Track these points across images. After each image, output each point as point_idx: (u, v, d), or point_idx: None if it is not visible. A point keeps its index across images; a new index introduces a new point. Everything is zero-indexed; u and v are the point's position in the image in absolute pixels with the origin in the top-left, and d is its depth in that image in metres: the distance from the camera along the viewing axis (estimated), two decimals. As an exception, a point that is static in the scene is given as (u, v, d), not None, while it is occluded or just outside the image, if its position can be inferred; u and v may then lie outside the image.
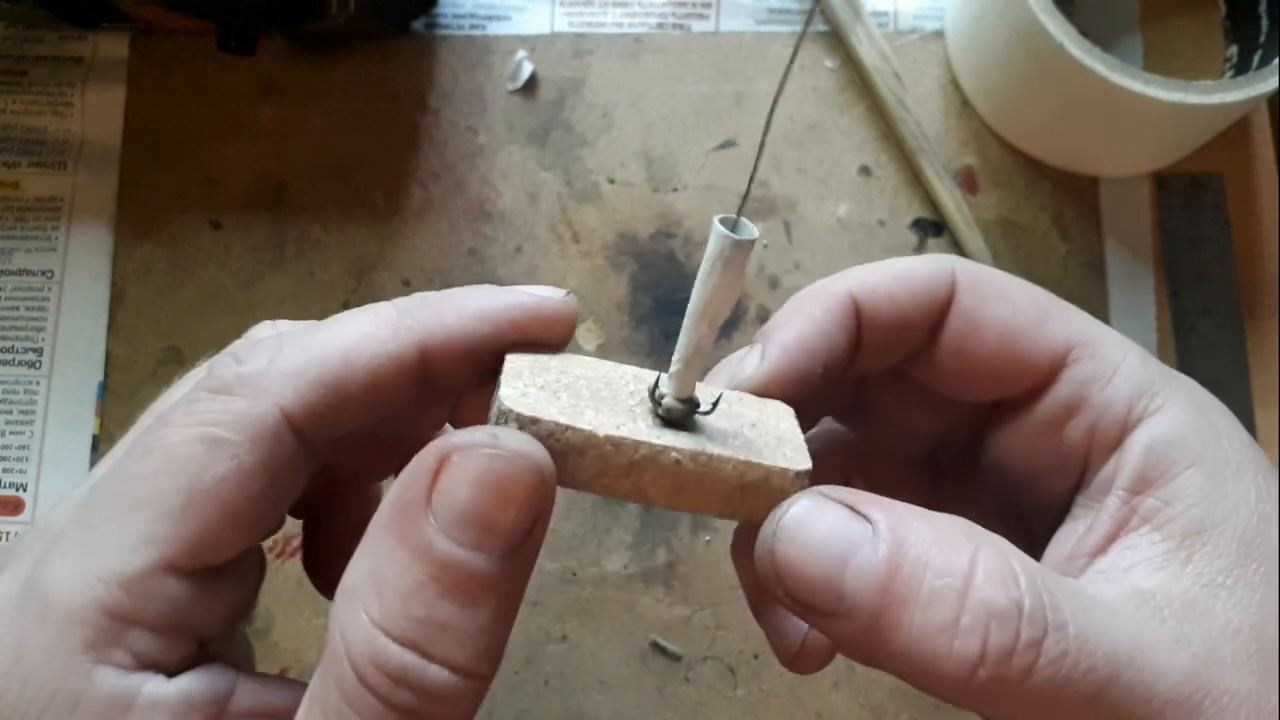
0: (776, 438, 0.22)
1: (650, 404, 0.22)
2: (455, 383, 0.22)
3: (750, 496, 0.21)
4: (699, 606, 0.40)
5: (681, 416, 0.21)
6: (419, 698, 0.18)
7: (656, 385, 0.22)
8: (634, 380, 0.23)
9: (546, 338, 0.22)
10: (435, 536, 0.18)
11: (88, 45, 0.45)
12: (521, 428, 0.20)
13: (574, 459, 0.20)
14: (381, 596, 0.18)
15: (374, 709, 0.18)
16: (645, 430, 0.21)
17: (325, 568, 0.26)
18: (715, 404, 0.22)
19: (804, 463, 0.21)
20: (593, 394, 0.22)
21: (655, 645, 0.40)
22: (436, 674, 0.18)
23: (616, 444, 0.20)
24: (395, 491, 0.19)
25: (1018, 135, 0.44)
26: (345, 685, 0.18)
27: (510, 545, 0.19)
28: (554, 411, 0.20)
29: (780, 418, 0.23)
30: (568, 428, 0.20)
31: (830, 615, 0.19)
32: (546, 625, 0.40)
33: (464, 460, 0.19)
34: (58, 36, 0.46)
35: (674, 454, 0.21)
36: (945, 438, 0.28)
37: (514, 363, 0.22)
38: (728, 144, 0.45)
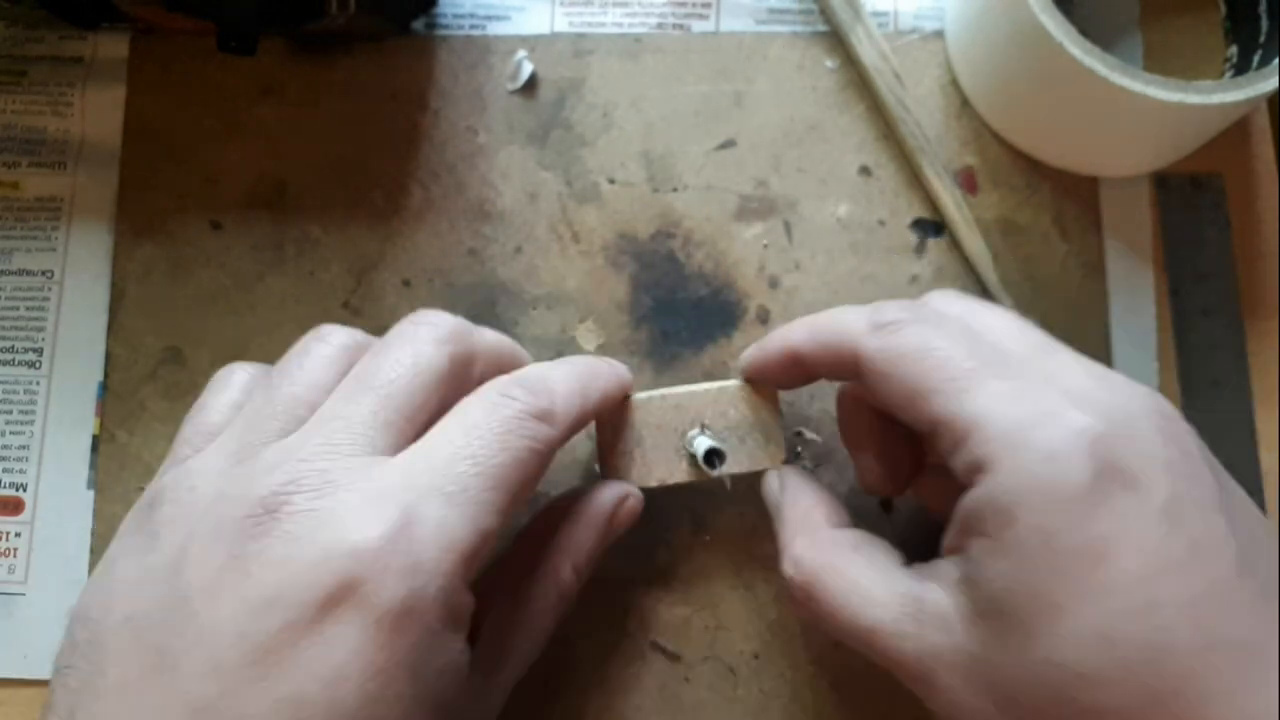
0: (764, 436, 0.38)
1: (689, 455, 0.37)
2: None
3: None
4: (699, 607, 0.40)
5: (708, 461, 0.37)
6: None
7: (693, 450, 0.37)
8: (675, 414, 0.37)
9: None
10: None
11: (87, 45, 0.45)
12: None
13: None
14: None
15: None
16: (684, 470, 0.37)
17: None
18: (721, 462, 0.37)
19: (779, 458, 0.38)
20: (654, 444, 0.37)
21: (655, 645, 0.40)
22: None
23: (668, 486, 0.38)
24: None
25: (1018, 135, 0.44)
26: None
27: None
28: (635, 476, 0.37)
29: (767, 410, 0.38)
30: (644, 486, 0.37)
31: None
32: (546, 625, 0.40)
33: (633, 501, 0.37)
34: (57, 36, 0.46)
35: (696, 481, 0.38)
36: None
37: (606, 428, 0.37)
38: (727, 144, 0.45)
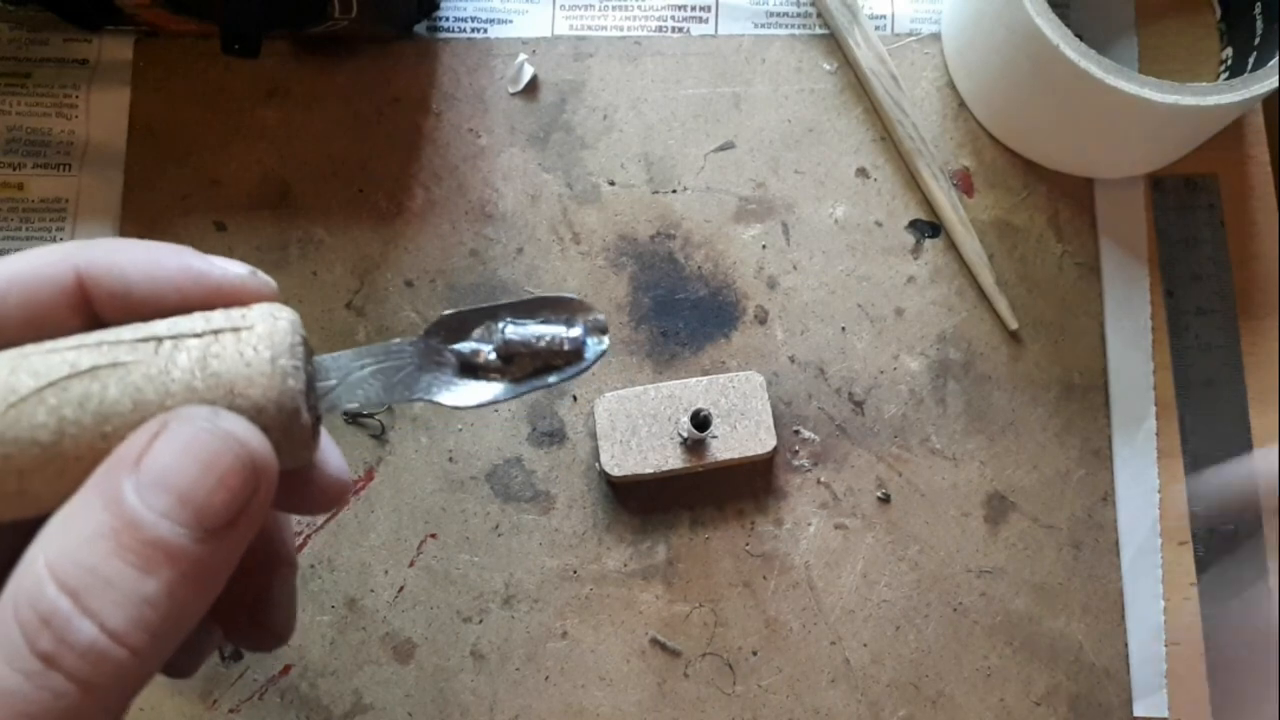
0: (755, 423, 0.40)
1: (683, 439, 0.39)
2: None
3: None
4: (698, 604, 0.41)
5: (699, 441, 0.39)
6: (58, 645, 0.18)
7: (680, 432, 0.40)
8: (669, 403, 0.40)
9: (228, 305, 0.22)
10: (129, 491, 0.19)
11: (92, 47, 0.46)
12: (611, 475, 0.39)
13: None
14: (62, 539, 0.18)
15: (15, 646, 0.18)
16: (679, 457, 0.39)
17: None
18: (709, 424, 0.39)
19: (771, 442, 0.40)
20: (649, 432, 0.39)
21: (655, 641, 0.40)
22: (82, 627, 0.18)
23: (662, 472, 0.39)
24: (114, 450, 0.20)
25: (1014, 137, 0.45)
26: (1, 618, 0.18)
27: (203, 524, 0.19)
28: (630, 464, 0.39)
29: (755, 395, 0.40)
30: (640, 473, 0.39)
31: None
32: (548, 622, 0.40)
33: (178, 427, 0.19)
34: (62, 39, 0.46)
35: (690, 470, 0.40)
36: None
37: (603, 411, 0.40)
38: (726, 146, 0.45)
